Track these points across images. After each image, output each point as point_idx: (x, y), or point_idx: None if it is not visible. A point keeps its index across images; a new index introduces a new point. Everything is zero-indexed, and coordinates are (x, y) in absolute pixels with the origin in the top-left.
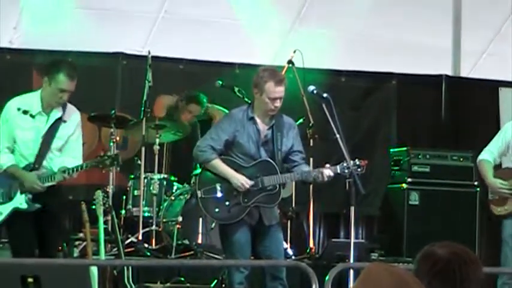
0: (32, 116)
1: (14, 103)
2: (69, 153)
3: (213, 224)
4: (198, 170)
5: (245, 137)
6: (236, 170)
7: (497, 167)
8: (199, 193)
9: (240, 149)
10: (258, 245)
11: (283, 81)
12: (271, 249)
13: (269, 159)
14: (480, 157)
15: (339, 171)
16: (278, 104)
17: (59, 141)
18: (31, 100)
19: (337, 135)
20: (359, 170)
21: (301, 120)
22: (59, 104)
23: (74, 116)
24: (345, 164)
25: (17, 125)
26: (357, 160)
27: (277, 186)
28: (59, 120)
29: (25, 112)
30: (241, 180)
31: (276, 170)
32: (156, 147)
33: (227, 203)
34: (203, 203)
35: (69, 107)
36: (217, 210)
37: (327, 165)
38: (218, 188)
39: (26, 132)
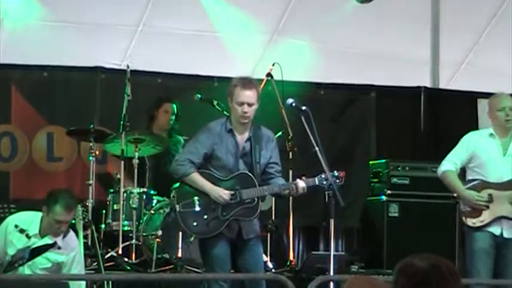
0: (28, 237)
1: (13, 219)
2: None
3: (192, 238)
4: (178, 184)
5: (223, 149)
6: (214, 183)
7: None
8: (177, 207)
9: (218, 162)
10: (238, 259)
11: (251, 85)
12: (251, 263)
13: (247, 172)
14: (443, 168)
15: (317, 183)
16: (246, 109)
17: (45, 261)
18: (31, 220)
19: (316, 148)
20: (337, 181)
21: (280, 133)
22: (57, 234)
23: (72, 246)
24: (323, 176)
25: (10, 243)
26: (335, 172)
27: (256, 199)
28: (54, 244)
29: (22, 231)
30: (219, 193)
31: (254, 183)
32: (135, 161)
33: (205, 216)
34: (181, 217)
35: (70, 236)
36: (195, 224)
37: (303, 178)
38: (196, 201)
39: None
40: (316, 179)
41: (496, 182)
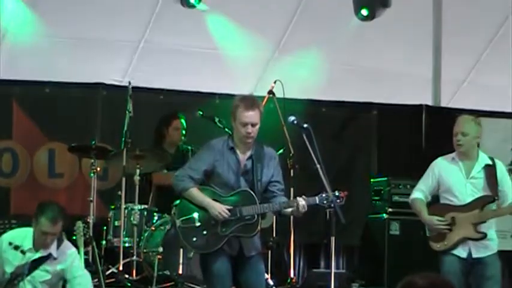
0: (23, 253)
1: (6, 237)
2: None
3: (192, 254)
4: (179, 200)
5: (225, 166)
6: (215, 200)
7: (433, 203)
8: (178, 222)
9: (219, 179)
10: (239, 276)
11: (254, 106)
12: (252, 280)
13: (248, 189)
14: (412, 196)
15: (317, 202)
16: (250, 130)
17: (44, 274)
18: (24, 236)
19: (318, 166)
20: (338, 201)
21: (281, 151)
22: (46, 246)
23: (68, 253)
24: (324, 195)
25: (6, 260)
26: (336, 191)
27: (256, 216)
28: (48, 256)
29: (16, 248)
30: (218, 210)
31: (255, 200)
32: (137, 178)
33: (205, 232)
34: (182, 232)
35: (65, 244)
36: (194, 239)
37: (304, 197)
38: (196, 217)
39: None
40: (316, 198)
41: (461, 204)
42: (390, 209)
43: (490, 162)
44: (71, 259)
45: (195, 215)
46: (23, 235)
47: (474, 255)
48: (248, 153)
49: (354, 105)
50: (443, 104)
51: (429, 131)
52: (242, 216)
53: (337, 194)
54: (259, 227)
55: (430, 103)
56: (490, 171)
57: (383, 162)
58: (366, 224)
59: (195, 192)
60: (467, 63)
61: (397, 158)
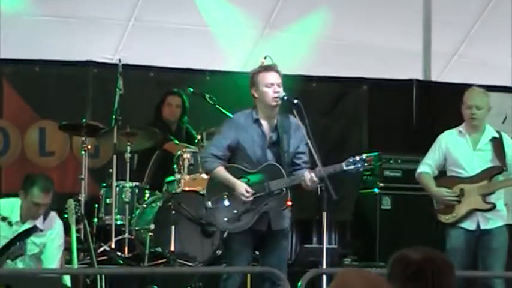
0: (10, 224)
1: None
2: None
3: (225, 234)
4: (171, 178)
5: (249, 141)
6: (242, 177)
7: (440, 176)
8: (207, 204)
9: (245, 154)
10: (262, 250)
11: (273, 67)
12: (274, 255)
13: (275, 163)
14: (419, 170)
15: (344, 168)
16: (278, 89)
17: (32, 247)
18: (12, 207)
19: (308, 141)
20: (366, 164)
21: None
22: (35, 218)
23: (55, 225)
24: (350, 160)
25: None
26: (364, 155)
27: (284, 189)
28: (34, 228)
29: (4, 218)
30: (242, 191)
31: (282, 173)
32: (128, 155)
33: (235, 211)
34: (211, 213)
35: (51, 216)
36: (226, 219)
37: (319, 167)
38: (225, 196)
39: (2, 240)
40: (343, 164)
41: (469, 176)
42: (381, 184)
43: (497, 135)
44: (55, 232)
45: (224, 194)
46: (11, 206)
47: (482, 227)
48: (273, 124)
49: (344, 81)
50: (433, 78)
51: (420, 105)
52: (271, 191)
53: (363, 157)
54: (288, 201)
55: (420, 77)
56: (497, 143)
57: (374, 137)
58: (357, 199)
59: (221, 172)
60: (457, 36)
61: (388, 133)
